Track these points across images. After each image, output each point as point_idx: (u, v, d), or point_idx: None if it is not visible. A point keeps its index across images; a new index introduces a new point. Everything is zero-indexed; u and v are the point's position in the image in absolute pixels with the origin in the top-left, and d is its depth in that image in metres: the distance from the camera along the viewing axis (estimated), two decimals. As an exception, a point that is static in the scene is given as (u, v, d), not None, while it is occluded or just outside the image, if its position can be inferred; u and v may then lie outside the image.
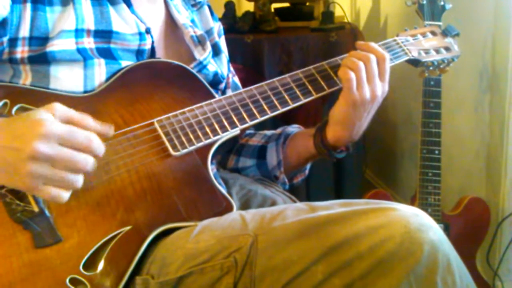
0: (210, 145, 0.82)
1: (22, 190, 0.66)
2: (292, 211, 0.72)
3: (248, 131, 1.07)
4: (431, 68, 1.04)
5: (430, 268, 0.65)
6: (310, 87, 0.89)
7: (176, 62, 0.87)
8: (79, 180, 0.64)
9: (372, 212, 0.67)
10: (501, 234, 1.46)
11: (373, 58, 0.87)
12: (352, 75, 0.85)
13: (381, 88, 0.88)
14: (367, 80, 0.86)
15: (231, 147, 1.05)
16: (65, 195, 0.64)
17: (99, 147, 0.65)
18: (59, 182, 0.62)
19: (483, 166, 1.53)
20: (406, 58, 0.98)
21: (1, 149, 0.61)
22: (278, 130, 1.04)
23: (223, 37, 1.06)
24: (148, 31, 0.86)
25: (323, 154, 0.94)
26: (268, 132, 1.05)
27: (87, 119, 0.67)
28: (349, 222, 0.66)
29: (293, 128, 1.03)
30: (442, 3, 1.23)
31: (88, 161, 0.64)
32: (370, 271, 0.64)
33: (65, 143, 0.62)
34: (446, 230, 1.36)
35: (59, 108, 0.65)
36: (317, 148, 0.94)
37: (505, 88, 1.39)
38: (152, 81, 0.84)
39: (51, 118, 0.63)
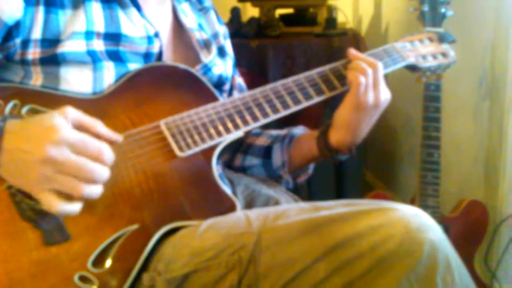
0: (215, 146, 0.83)
1: (28, 193, 0.66)
2: (295, 210, 0.73)
3: (254, 131, 1.08)
4: (428, 73, 1.06)
5: (430, 268, 0.66)
6: (311, 91, 0.90)
7: (183, 66, 0.88)
8: (85, 188, 0.63)
9: (373, 212, 0.68)
10: (499, 236, 1.47)
11: (380, 65, 0.90)
12: (363, 79, 0.87)
13: (384, 95, 0.90)
14: (373, 86, 0.89)
15: (238, 147, 1.07)
16: (65, 206, 0.63)
17: (109, 158, 0.65)
18: (64, 188, 0.62)
19: (481, 170, 1.54)
20: (404, 63, 1.00)
21: (14, 151, 0.63)
22: (284, 131, 1.05)
23: (228, 40, 1.08)
24: (157, 34, 0.88)
25: (326, 156, 0.95)
26: (274, 132, 1.07)
27: (98, 125, 0.68)
28: (351, 221, 0.67)
29: (298, 130, 1.05)
30: (443, 10, 1.24)
31: (97, 170, 0.63)
32: (370, 270, 0.66)
33: (76, 151, 0.63)
34: (445, 232, 1.37)
35: (71, 112, 0.65)
36: (321, 150, 0.95)
37: (504, 94, 1.40)
38: (159, 84, 0.85)
39: (65, 123, 0.63)
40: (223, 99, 0.89)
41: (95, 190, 0.64)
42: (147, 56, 0.87)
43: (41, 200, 0.63)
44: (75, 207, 0.64)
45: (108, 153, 0.65)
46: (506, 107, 1.40)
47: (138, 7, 0.87)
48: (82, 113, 0.67)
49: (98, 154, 0.64)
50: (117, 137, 0.71)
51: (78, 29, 0.80)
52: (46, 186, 0.62)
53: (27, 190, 0.65)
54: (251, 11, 2.20)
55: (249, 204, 0.97)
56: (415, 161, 1.40)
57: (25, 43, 0.77)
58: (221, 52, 1.03)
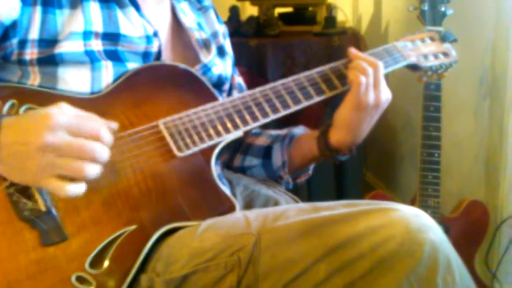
0: (214, 146, 0.83)
1: (31, 184, 0.66)
2: (295, 211, 0.73)
3: (254, 131, 1.08)
4: (429, 73, 1.05)
5: (430, 268, 0.66)
6: (312, 90, 0.90)
7: (182, 65, 0.88)
8: (87, 168, 0.62)
9: (373, 212, 0.68)
10: (500, 237, 1.47)
11: (381, 65, 0.90)
12: (363, 79, 0.87)
13: (385, 95, 0.90)
14: (374, 85, 0.88)
15: (238, 147, 1.07)
16: (72, 188, 0.62)
17: (107, 136, 0.65)
18: (66, 171, 0.62)
19: (482, 170, 1.54)
20: (405, 63, 0.99)
21: (12, 145, 0.62)
22: (284, 131, 1.05)
23: (228, 40, 1.08)
24: (155, 34, 0.87)
25: (326, 156, 0.95)
26: (274, 132, 1.06)
27: (93, 116, 0.67)
28: (351, 222, 0.67)
29: (298, 130, 1.04)
30: (443, 9, 1.24)
31: (97, 149, 0.63)
32: (371, 271, 0.65)
33: (73, 133, 0.62)
34: (446, 232, 1.37)
35: (66, 106, 0.65)
36: (321, 150, 0.95)
37: (504, 94, 1.40)
38: (158, 84, 0.85)
39: (59, 110, 0.63)
40: (222, 99, 0.89)
41: (97, 170, 0.64)
42: (145, 55, 0.86)
43: (47, 187, 0.63)
44: (81, 188, 0.63)
45: (106, 132, 0.65)
46: (507, 107, 1.40)
47: (137, 7, 0.86)
48: (76, 108, 0.66)
49: (97, 134, 0.64)
50: (113, 124, 0.70)
51: (76, 29, 0.80)
52: (49, 173, 0.62)
53: (30, 182, 0.65)
54: (250, 10, 2.20)
55: (248, 204, 0.97)
56: (415, 161, 1.40)
57: (22, 43, 0.77)
58: (221, 52, 1.02)
